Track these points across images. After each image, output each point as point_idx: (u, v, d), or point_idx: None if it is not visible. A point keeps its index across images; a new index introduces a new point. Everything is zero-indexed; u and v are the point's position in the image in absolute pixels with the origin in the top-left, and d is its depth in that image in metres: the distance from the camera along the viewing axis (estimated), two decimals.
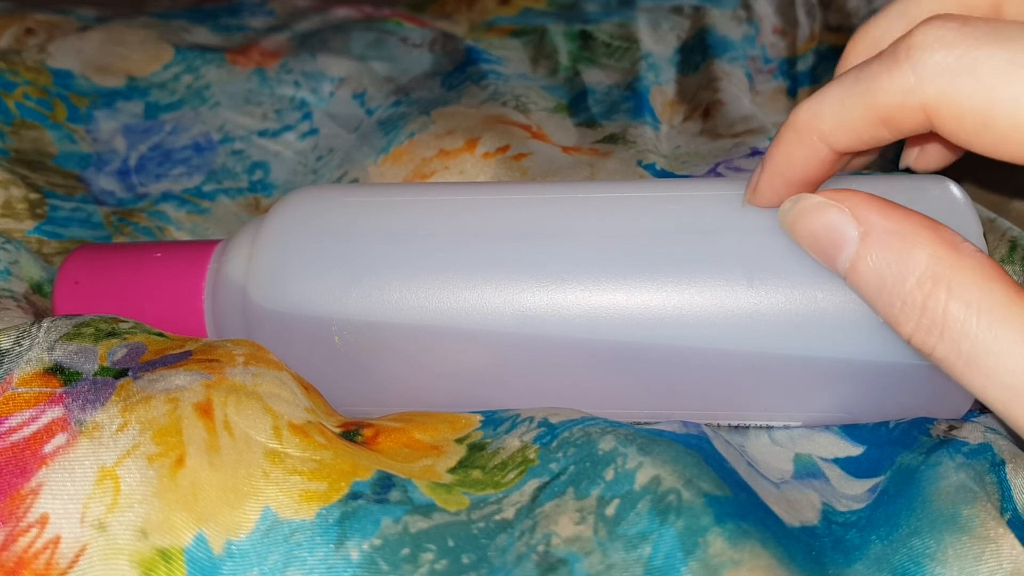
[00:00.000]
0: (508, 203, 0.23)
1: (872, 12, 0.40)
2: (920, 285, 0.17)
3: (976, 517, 0.18)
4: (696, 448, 0.19)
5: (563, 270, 0.22)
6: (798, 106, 0.19)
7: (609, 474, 0.18)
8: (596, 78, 0.40)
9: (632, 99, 0.38)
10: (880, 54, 0.18)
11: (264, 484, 0.18)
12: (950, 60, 0.16)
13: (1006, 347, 0.16)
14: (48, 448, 0.18)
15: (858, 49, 0.21)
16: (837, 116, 0.18)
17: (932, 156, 0.23)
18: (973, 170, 0.30)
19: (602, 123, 0.36)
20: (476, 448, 0.21)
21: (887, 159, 0.34)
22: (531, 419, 0.21)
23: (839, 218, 0.18)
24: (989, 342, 0.16)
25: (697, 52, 0.41)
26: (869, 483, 0.21)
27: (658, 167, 0.32)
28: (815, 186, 0.20)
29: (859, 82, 0.18)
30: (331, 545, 0.17)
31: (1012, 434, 0.21)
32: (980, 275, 0.16)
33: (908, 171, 0.24)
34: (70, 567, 0.17)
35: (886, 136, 0.18)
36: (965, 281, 0.16)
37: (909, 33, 0.17)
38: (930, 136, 0.22)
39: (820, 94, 0.19)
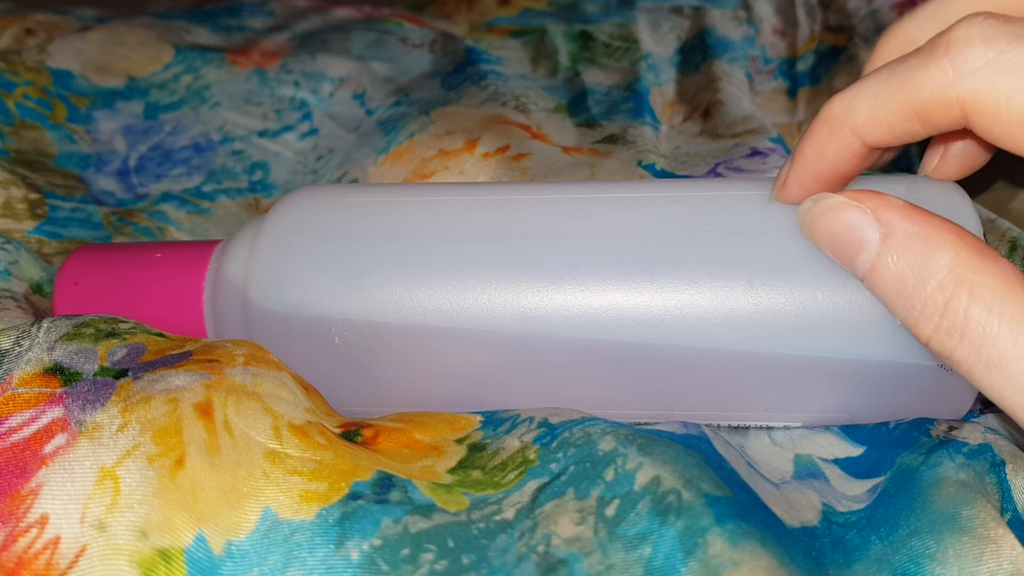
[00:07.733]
0: (508, 203, 0.23)
1: (872, 12, 0.40)
2: (942, 288, 0.17)
3: (976, 517, 0.18)
4: (696, 448, 0.19)
5: (563, 270, 0.22)
6: (831, 99, 0.19)
7: (609, 474, 0.18)
8: (596, 78, 0.40)
9: (632, 99, 0.38)
10: (918, 49, 0.17)
11: (264, 484, 0.18)
12: (990, 56, 0.16)
13: None
14: (48, 448, 0.18)
15: (890, 46, 0.21)
16: (871, 109, 0.18)
17: (952, 165, 0.22)
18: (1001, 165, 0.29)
19: (602, 123, 0.36)
20: (476, 448, 0.21)
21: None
22: (531, 419, 0.21)
23: (860, 218, 0.18)
24: (1011, 346, 0.16)
25: (697, 52, 0.41)
26: (869, 483, 0.21)
27: (658, 167, 0.32)
28: (844, 182, 0.20)
29: (895, 75, 0.18)
30: (331, 545, 0.17)
31: (1021, 436, 0.21)
32: (1003, 279, 0.16)
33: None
34: (70, 567, 0.17)
35: (919, 131, 0.18)
36: (988, 285, 0.16)
37: (949, 28, 0.17)
38: (956, 137, 0.21)
39: (855, 87, 0.19)
